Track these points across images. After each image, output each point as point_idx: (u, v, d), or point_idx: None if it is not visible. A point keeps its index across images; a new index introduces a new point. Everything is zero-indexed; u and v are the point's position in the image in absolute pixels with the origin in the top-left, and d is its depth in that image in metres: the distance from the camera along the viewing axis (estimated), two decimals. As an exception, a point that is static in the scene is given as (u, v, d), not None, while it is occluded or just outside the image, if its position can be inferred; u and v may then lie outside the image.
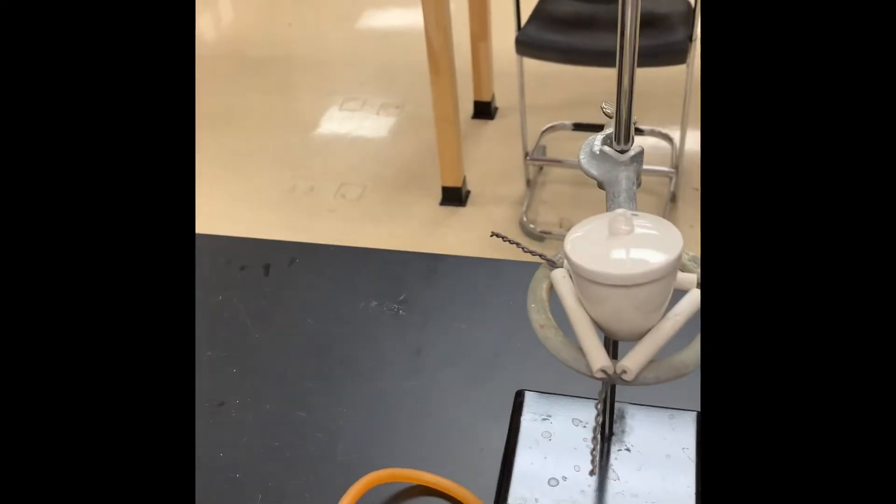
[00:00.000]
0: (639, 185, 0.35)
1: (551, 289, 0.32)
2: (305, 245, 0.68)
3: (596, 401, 0.49)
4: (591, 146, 0.36)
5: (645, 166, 1.46)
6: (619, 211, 0.28)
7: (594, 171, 0.35)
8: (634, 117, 0.36)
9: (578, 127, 1.87)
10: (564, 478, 0.48)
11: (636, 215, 0.29)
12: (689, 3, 1.53)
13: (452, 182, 1.80)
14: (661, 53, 1.46)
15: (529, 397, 0.52)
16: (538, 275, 0.33)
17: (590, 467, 0.48)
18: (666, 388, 0.54)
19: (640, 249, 0.27)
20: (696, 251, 0.31)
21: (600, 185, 0.35)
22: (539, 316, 0.31)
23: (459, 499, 0.48)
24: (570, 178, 1.86)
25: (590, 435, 0.50)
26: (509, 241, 0.32)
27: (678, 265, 0.28)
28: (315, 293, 0.64)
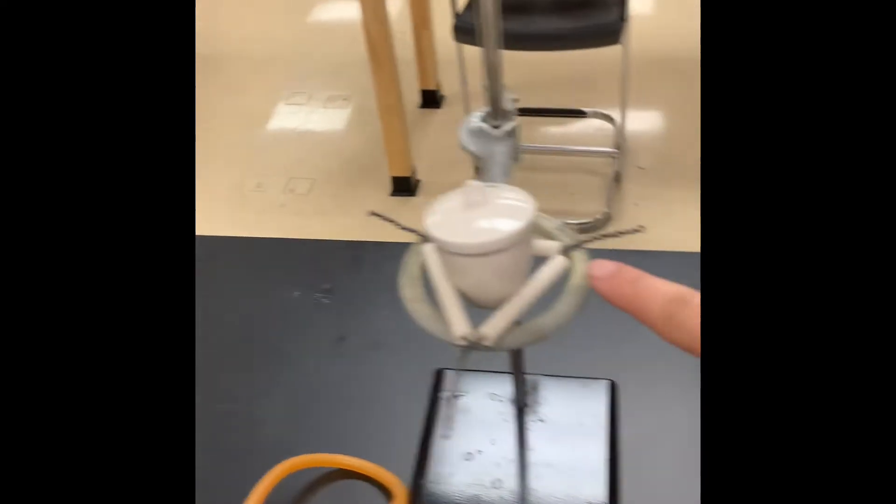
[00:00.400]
0: (517, 160, 0.36)
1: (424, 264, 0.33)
2: (225, 239, 0.68)
3: (508, 373, 0.51)
4: (470, 123, 0.36)
5: (588, 147, 1.48)
6: (473, 183, 0.28)
7: (472, 147, 0.35)
8: (514, 95, 0.36)
9: (524, 112, 1.88)
10: (480, 451, 0.49)
11: (493, 187, 0.30)
12: (623, -16, 1.55)
13: (401, 172, 1.80)
14: (596, 34, 1.47)
15: (447, 375, 0.53)
16: (411, 250, 0.34)
17: (506, 441, 0.49)
18: (580, 361, 0.56)
19: (494, 219, 0.28)
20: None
21: (478, 161, 0.36)
22: (409, 290, 0.32)
23: (378, 479, 0.49)
24: (519, 164, 1.87)
25: (506, 408, 0.51)
26: (385, 218, 0.33)
27: (532, 232, 0.28)
28: (237, 285, 0.64)
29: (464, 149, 0.35)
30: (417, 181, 1.84)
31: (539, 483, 0.47)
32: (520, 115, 1.70)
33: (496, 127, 0.34)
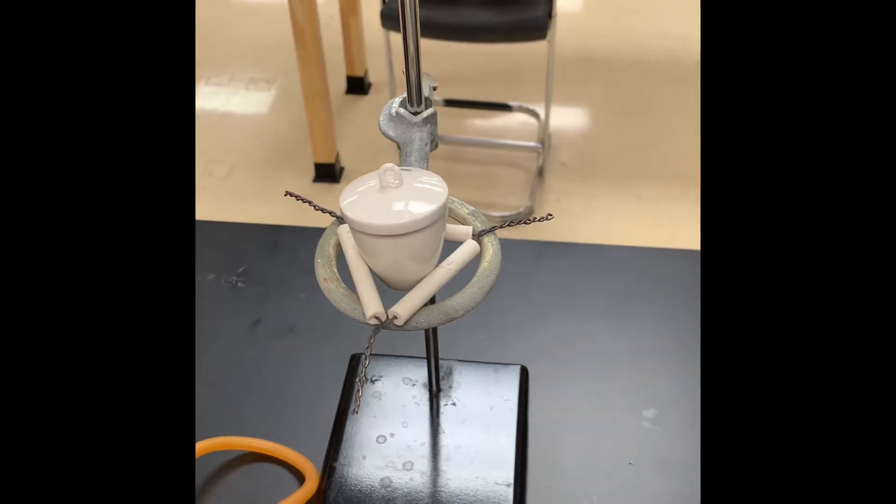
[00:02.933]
0: (434, 146, 0.36)
1: (339, 245, 0.33)
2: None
3: (424, 358, 0.51)
4: (390, 108, 0.37)
5: (512, 141, 1.49)
6: (388, 165, 0.29)
7: (391, 133, 0.36)
8: (432, 81, 0.37)
9: (450, 103, 1.89)
10: (392, 434, 0.49)
11: (408, 170, 0.30)
12: (550, -19, 1.57)
13: (325, 158, 1.78)
14: (522, 29, 1.49)
15: (362, 360, 0.54)
16: (327, 231, 0.34)
17: (418, 424, 0.50)
18: (494, 347, 0.57)
19: (408, 202, 0.28)
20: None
21: (398, 146, 0.36)
22: (323, 270, 0.32)
23: (289, 461, 0.49)
24: (444, 154, 1.88)
25: (420, 392, 0.52)
26: (301, 199, 0.33)
27: (444, 215, 0.29)
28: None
29: (383, 133, 0.35)
30: (342, 168, 1.83)
31: (449, 465, 0.48)
32: (446, 107, 1.72)
33: (415, 114, 0.34)
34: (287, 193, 0.34)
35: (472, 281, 0.31)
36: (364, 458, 0.48)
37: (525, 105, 1.91)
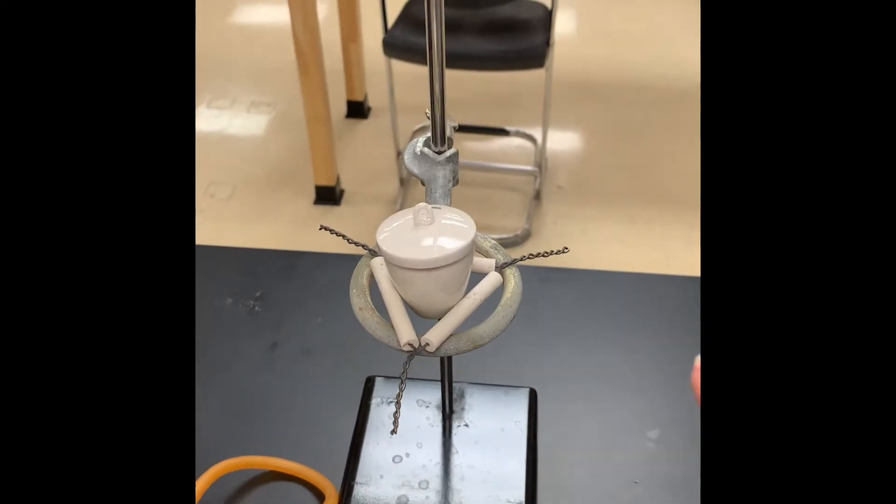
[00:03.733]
0: (455, 182, 0.39)
1: (372, 275, 0.36)
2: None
3: (438, 381, 0.53)
4: (414, 148, 0.39)
5: (510, 165, 1.52)
6: (422, 205, 0.31)
7: (416, 170, 0.38)
8: (453, 122, 0.39)
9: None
10: (408, 454, 0.51)
11: (438, 208, 0.33)
12: (546, 9, 1.62)
13: (326, 181, 1.80)
14: (521, 58, 1.53)
15: (378, 382, 0.56)
16: (360, 263, 0.36)
17: (432, 445, 0.52)
18: (504, 370, 0.59)
19: (440, 237, 0.31)
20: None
21: (422, 182, 0.39)
22: (359, 300, 0.34)
23: (309, 481, 0.51)
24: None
25: (433, 414, 0.54)
26: (335, 233, 0.35)
27: (472, 250, 0.32)
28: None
29: (408, 170, 0.37)
30: (342, 191, 1.85)
31: (463, 484, 0.50)
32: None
33: (439, 152, 0.37)
34: (322, 227, 0.36)
35: (497, 310, 0.34)
36: (381, 477, 0.50)
37: (522, 130, 1.94)
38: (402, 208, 1.81)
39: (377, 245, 0.32)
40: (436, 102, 0.36)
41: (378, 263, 0.35)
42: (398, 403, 0.32)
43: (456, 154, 0.38)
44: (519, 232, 1.71)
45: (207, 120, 2.09)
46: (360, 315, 0.34)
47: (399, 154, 1.80)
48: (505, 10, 1.59)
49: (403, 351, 0.33)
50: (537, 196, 1.81)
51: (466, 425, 0.53)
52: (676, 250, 1.70)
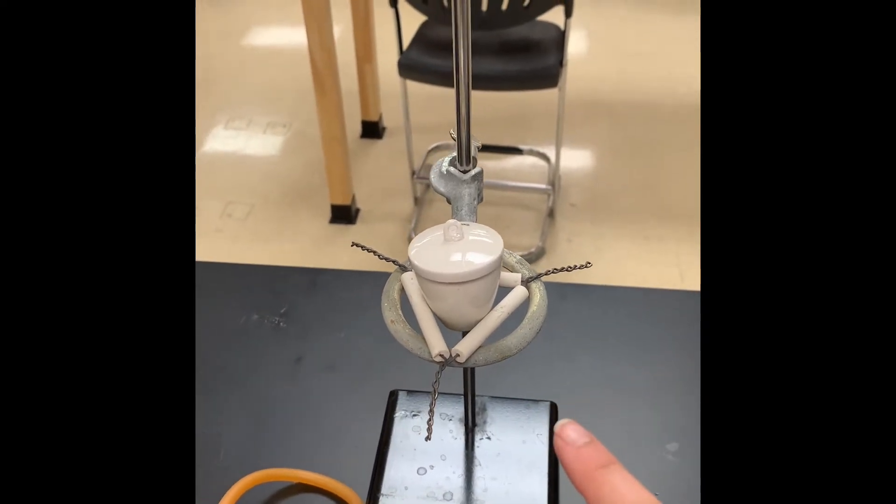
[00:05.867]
0: (480, 199, 0.40)
1: (402, 290, 0.37)
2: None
3: (460, 395, 0.55)
4: (440, 167, 0.41)
5: (524, 184, 1.54)
6: (451, 221, 0.33)
7: (442, 189, 0.40)
8: (477, 141, 0.41)
9: (462, 146, 1.95)
10: (432, 466, 0.52)
11: (467, 224, 0.34)
12: (559, 30, 1.64)
13: (342, 200, 1.83)
14: (535, 77, 1.55)
15: (401, 396, 0.57)
16: (391, 278, 0.37)
17: (455, 457, 0.53)
18: (524, 385, 0.60)
19: (469, 253, 0.32)
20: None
21: (448, 201, 0.40)
22: (390, 313, 0.36)
23: (335, 493, 0.52)
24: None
25: (456, 427, 0.55)
26: (366, 249, 0.37)
27: (500, 265, 0.33)
28: (197, 307, 0.66)
29: (434, 189, 0.39)
30: (357, 210, 1.87)
31: (486, 496, 0.51)
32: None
33: (464, 172, 0.38)
34: (354, 244, 0.38)
35: (523, 322, 0.35)
36: (406, 488, 0.51)
37: (535, 148, 1.96)
38: (416, 227, 1.83)
39: (409, 260, 0.33)
40: (462, 123, 0.38)
41: (409, 278, 0.36)
42: (431, 411, 0.33)
43: (481, 172, 0.40)
44: (533, 250, 1.72)
45: (224, 140, 2.12)
46: (392, 328, 0.35)
47: (413, 173, 1.82)
48: (518, 31, 1.61)
49: (435, 362, 0.34)
50: (551, 214, 1.82)
51: (489, 438, 0.54)
52: (691, 266, 1.71)
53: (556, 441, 0.29)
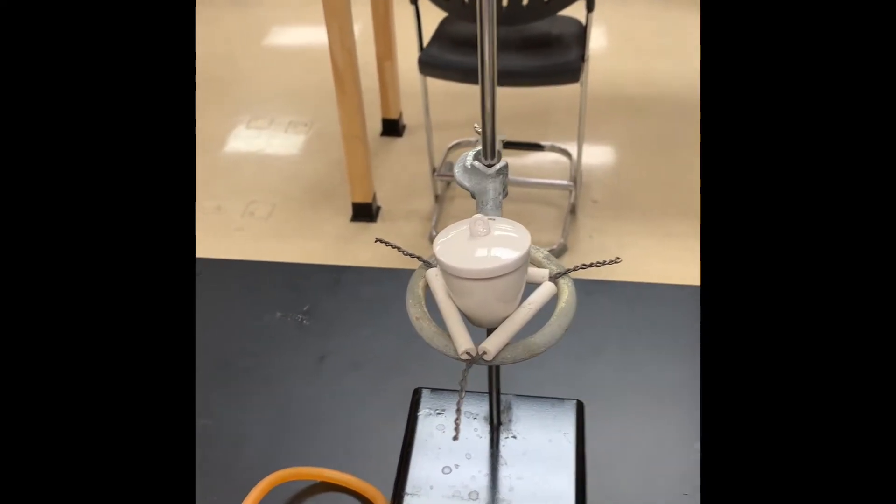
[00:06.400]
0: (505, 194, 0.40)
1: (427, 286, 0.37)
2: (209, 260, 0.70)
3: (485, 393, 0.54)
4: (465, 161, 0.40)
5: (545, 180, 1.53)
6: (478, 216, 0.32)
7: (466, 183, 0.39)
8: (501, 135, 0.40)
9: (483, 143, 1.94)
10: (457, 465, 0.52)
11: (493, 219, 0.33)
12: (580, 25, 1.62)
13: (362, 198, 1.83)
14: (557, 73, 1.54)
15: (425, 394, 0.56)
16: (415, 274, 0.37)
17: (481, 456, 0.52)
18: (550, 382, 0.60)
19: (496, 248, 0.32)
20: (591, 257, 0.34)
21: (473, 195, 0.40)
22: (415, 310, 0.35)
23: (360, 491, 0.51)
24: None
25: (481, 425, 0.54)
26: (390, 245, 0.36)
27: (528, 260, 0.32)
28: (219, 306, 0.66)
29: (458, 184, 0.38)
30: (378, 207, 1.87)
31: (513, 496, 0.50)
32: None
33: (489, 166, 0.38)
34: (377, 240, 0.37)
35: (552, 319, 0.34)
36: (431, 488, 0.50)
37: (557, 144, 1.95)
38: (437, 224, 1.82)
39: (434, 256, 0.33)
40: (486, 117, 0.37)
41: (434, 274, 0.36)
42: (458, 410, 0.33)
43: (506, 167, 0.39)
44: (555, 246, 1.71)
45: (246, 140, 2.13)
46: (417, 324, 0.35)
47: (434, 171, 1.82)
48: (540, 27, 1.60)
49: (461, 360, 0.34)
50: (573, 210, 1.81)
51: (514, 437, 0.53)
52: (715, 263, 1.68)
53: None
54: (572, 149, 1.88)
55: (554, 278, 0.36)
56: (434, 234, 1.76)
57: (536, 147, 1.96)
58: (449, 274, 0.32)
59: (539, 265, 0.37)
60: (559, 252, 1.70)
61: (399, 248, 0.36)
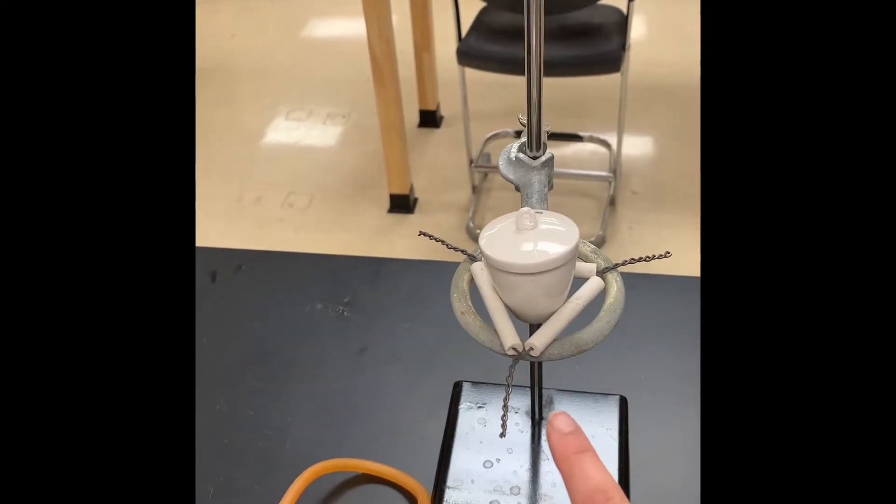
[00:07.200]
0: (550, 187, 0.39)
1: (471, 280, 0.36)
2: (251, 252, 0.70)
3: (527, 387, 0.53)
4: (509, 153, 0.39)
5: (584, 171, 1.51)
6: (525, 209, 0.31)
7: (511, 176, 0.38)
8: (547, 126, 0.39)
9: (521, 134, 1.93)
10: (498, 460, 0.51)
11: (540, 213, 0.33)
12: (622, 14, 1.60)
13: (400, 190, 1.83)
14: (597, 62, 1.52)
15: (466, 387, 0.56)
16: (460, 268, 0.36)
17: (522, 451, 0.52)
18: (591, 376, 0.59)
19: (543, 242, 0.31)
20: (638, 251, 0.34)
21: (517, 188, 0.39)
22: (460, 304, 0.35)
23: (401, 484, 0.51)
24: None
25: (522, 420, 0.54)
26: (434, 238, 0.36)
27: (576, 254, 0.32)
28: (261, 298, 0.67)
29: (503, 176, 0.38)
30: (415, 199, 1.87)
31: (555, 491, 0.50)
32: (517, 138, 1.74)
33: (534, 158, 0.37)
34: (421, 233, 0.37)
35: (600, 315, 0.34)
36: (472, 482, 0.50)
37: (596, 135, 1.92)
38: (474, 216, 1.82)
39: (480, 249, 0.32)
40: (532, 108, 0.37)
41: (479, 268, 0.35)
42: (505, 406, 0.32)
43: (551, 158, 0.38)
44: (594, 238, 1.69)
45: (285, 132, 2.15)
46: (462, 319, 0.34)
47: (471, 162, 1.81)
48: (579, 16, 1.58)
49: (507, 355, 0.33)
50: (612, 202, 1.78)
51: (556, 432, 0.53)
52: (759, 256, 1.65)
53: (547, 427, 0.34)
54: (612, 139, 1.86)
55: (602, 273, 0.35)
56: (471, 225, 1.76)
57: (575, 138, 1.93)
58: (494, 268, 0.31)
59: (587, 259, 0.36)
60: (598, 244, 1.69)
61: (443, 242, 0.36)
